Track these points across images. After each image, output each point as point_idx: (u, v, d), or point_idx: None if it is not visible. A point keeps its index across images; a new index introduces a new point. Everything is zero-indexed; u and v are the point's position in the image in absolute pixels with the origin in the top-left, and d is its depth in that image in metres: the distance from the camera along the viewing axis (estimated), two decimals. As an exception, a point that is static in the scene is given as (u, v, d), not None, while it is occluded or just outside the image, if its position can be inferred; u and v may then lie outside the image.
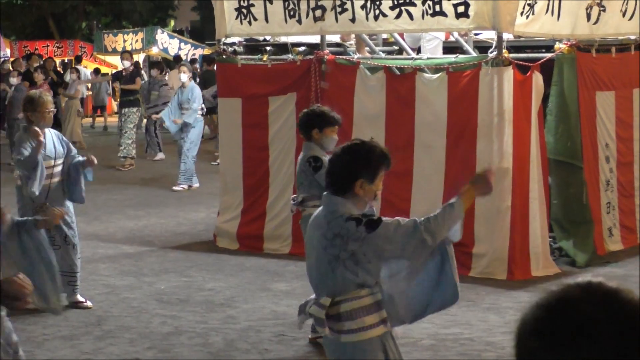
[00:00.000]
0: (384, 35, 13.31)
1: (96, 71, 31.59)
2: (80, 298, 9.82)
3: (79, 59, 33.46)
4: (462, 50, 11.68)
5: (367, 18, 11.23)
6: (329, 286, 5.31)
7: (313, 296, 5.46)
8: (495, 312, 9.53)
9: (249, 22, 12.20)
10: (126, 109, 21.16)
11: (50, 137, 9.73)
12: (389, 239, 5.21)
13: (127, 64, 22.08)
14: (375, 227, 5.19)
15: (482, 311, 9.55)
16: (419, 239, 5.22)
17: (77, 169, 9.80)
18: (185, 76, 17.88)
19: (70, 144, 10.08)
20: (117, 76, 23.54)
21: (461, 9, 10.54)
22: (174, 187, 17.62)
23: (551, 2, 10.94)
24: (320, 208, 5.47)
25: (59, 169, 9.70)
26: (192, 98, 17.65)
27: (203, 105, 18.57)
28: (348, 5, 11.34)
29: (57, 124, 22.07)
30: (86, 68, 32.16)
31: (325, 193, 5.44)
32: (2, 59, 30.65)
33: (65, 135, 24.47)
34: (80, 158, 9.88)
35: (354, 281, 5.25)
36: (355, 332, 5.29)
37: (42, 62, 27.75)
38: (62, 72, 30.60)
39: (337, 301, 5.28)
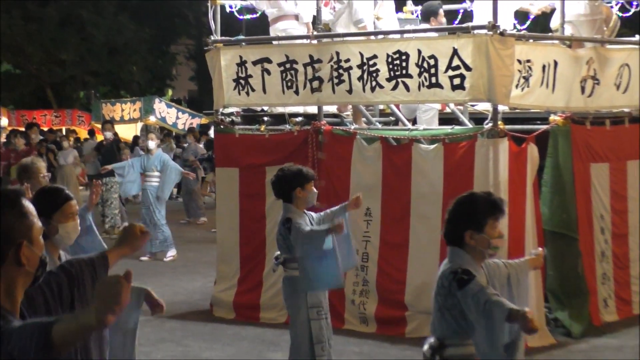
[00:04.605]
0: (381, 106, 13.39)
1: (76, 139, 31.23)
2: None
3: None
4: (458, 122, 11.74)
5: (364, 89, 11.35)
6: (438, 330, 5.59)
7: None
8: (491, 382, 9.48)
9: (247, 93, 12.31)
10: (107, 179, 20.28)
11: None
12: (474, 300, 5.37)
13: (109, 134, 22.00)
14: (464, 285, 5.39)
15: (478, 382, 9.52)
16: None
17: None
18: (153, 143, 17.46)
19: None
20: (98, 147, 23.45)
21: (457, 81, 10.64)
22: (165, 258, 17.22)
23: (546, 75, 11.06)
24: None
25: None
26: (162, 165, 17.17)
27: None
28: (345, 77, 11.46)
29: None
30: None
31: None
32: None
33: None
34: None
35: (457, 330, 5.50)
36: None
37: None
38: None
39: (444, 344, 5.55)
